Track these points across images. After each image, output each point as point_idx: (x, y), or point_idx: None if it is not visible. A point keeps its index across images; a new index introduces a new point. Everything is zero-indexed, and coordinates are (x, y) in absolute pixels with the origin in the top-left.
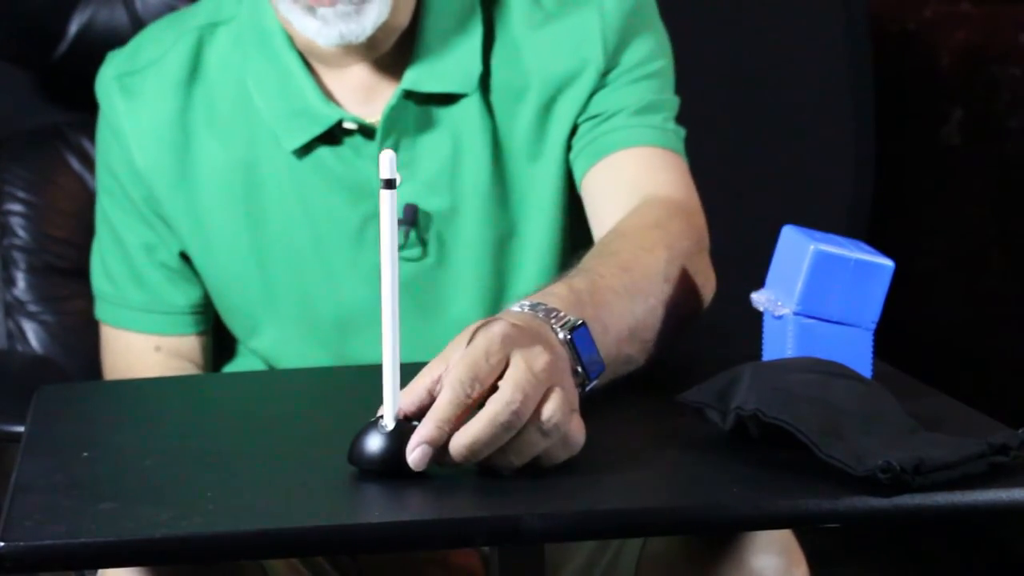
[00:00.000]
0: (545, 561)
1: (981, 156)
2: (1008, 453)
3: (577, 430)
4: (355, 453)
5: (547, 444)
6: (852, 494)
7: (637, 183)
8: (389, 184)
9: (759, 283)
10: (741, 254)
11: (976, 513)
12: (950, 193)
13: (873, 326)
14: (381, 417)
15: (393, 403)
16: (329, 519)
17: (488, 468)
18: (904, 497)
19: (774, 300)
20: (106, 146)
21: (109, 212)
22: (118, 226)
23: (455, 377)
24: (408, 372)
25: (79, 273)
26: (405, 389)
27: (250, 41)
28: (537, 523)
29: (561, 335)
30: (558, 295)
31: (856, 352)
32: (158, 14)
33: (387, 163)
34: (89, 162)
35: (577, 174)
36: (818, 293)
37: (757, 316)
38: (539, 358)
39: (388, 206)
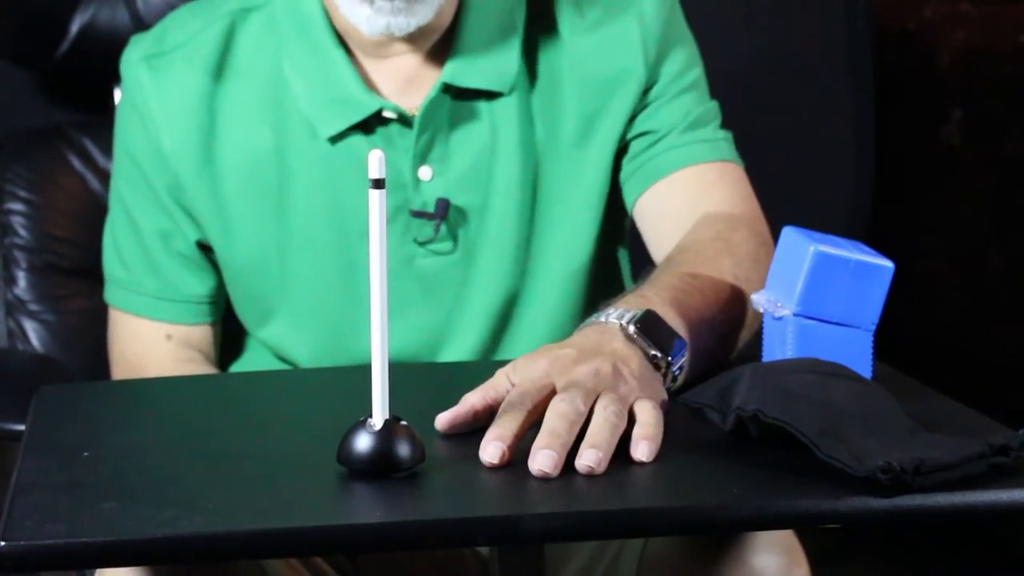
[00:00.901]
0: (544, 561)
1: (981, 156)
2: (1008, 454)
3: (651, 401)
4: (343, 453)
5: (617, 431)
6: (852, 494)
7: (694, 202)
8: (378, 184)
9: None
10: None
11: (976, 514)
12: (950, 193)
13: (873, 327)
14: (369, 416)
15: (381, 403)
16: (329, 519)
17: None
18: (904, 497)
19: (774, 301)
20: (129, 130)
21: (125, 197)
22: (134, 211)
23: (506, 402)
24: (399, 372)
25: (80, 272)
26: (470, 395)
27: (287, 27)
28: (537, 523)
29: (632, 329)
30: (627, 302)
31: (856, 353)
32: (160, 14)
33: (376, 163)
34: (90, 162)
35: (630, 196)
36: (818, 294)
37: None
38: (578, 374)
39: (377, 206)
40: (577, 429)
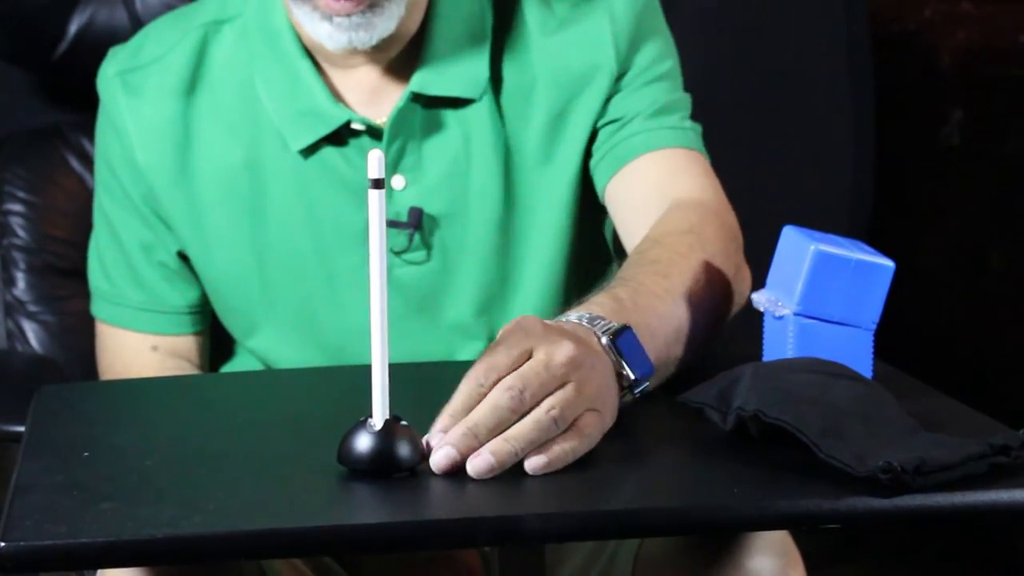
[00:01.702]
0: (545, 561)
1: (981, 156)
2: (1009, 454)
3: (590, 429)
4: (344, 453)
5: (544, 436)
6: (853, 494)
7: (662, 188)
8: (377, 184)
9: (759, 283)
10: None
11: (976, 514)
12: (950, 193)
13: (873, 327)
14: (369, 416)
15: (381, 402)
16: (330, 519)
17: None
18: (905, 498)
19: (774, 300)
20: (106, 142)
21: (107, 209)
22: (116, 223)
23: (473, 371)
24: (399, 373)
25: (79, 273)
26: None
27: (257, 40)
28: (538, 523)
29: (604, 340)
30: (601, 304)
31: (856, 353)
32: (158, 14)
33: (375, 163)
34: (89, 162)
35: (599, 183)
36: (818, 293)
37: (757, 316)
38: (561, 352)
39: (377, 206)
40: (505, 428)
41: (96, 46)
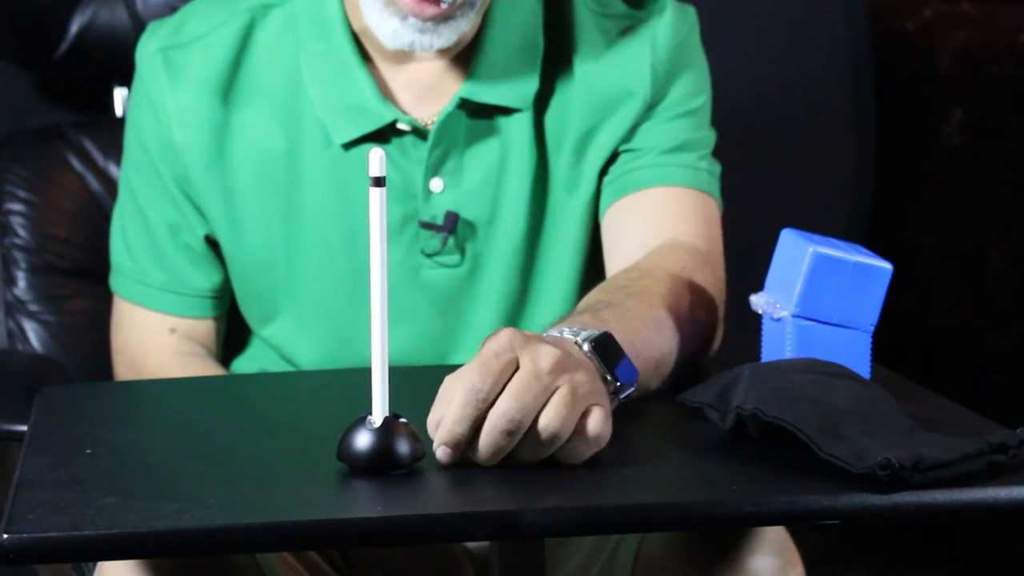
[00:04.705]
0: (545, 557)
1: (981, 156)
2: (1007, 452)
3: (602, 415)
4: (343, 450)
5: (550, 450)
6: (851, 491)
7: (660, 225)
8: (378, 182)
9: (758, 285)
10: (740, 256)
11: (975, 512)
12: (950, 193)
13: (871, 328)
14: (369, 414)
15: (381, 400)
16: (330, 513)
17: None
18: (903, 495)
19: (773, 303)
20: (142, 120)
21: (135, 187)
22: (143, 202)
23: (468, 376)
24: (399, 373)
25: (80, 273)
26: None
27: (307, 28)
28: (537, 518)
29: (586, 347)
30: (584, 323)
31: (854, 354)
32: (159, 14)
33: (376, 161)
34: (90, 162)
35: (602, 206)
36: (817, 296)
37: (756, 318)
38: (545, 358)
39: (377, 204)
40: (518, 438)
41: (97, 46)
